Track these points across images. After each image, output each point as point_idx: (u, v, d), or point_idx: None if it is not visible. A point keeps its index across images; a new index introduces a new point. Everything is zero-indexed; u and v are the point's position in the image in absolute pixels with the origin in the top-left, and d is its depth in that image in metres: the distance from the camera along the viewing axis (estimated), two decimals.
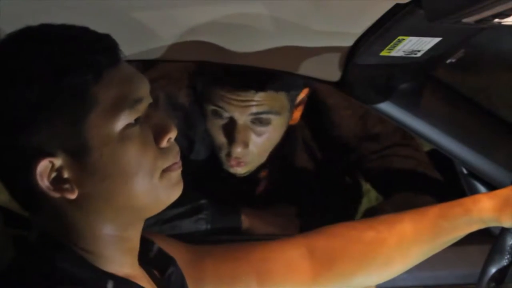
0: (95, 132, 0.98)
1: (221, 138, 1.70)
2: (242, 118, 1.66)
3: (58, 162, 0.98)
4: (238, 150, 1.68)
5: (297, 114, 1.76)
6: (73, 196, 0.99)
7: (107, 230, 1.04)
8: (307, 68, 1.39)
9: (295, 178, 1.86)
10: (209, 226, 1.71)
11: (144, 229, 1.11)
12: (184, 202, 1.71)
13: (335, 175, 1.89)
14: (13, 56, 0.99)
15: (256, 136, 1.69)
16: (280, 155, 1.79)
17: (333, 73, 1.40)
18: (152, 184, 1.02)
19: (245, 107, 1.65)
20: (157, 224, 1.67)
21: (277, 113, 1.68)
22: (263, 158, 1.74)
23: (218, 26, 1.25)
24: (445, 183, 1.76)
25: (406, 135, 1.76)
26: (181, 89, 1.80)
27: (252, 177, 1.81)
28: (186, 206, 1.70)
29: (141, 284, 1.07)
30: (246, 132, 1.68)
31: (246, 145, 1.69)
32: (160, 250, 1.19)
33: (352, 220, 1.94)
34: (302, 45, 1.32)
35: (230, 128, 1.68)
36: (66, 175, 0.99)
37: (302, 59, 1.37)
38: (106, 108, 0.99)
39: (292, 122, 1.76)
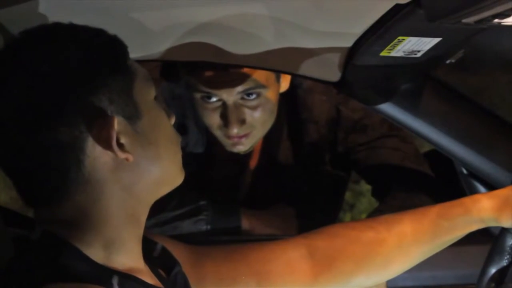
0: (141, 98, 1.06)
1: (216, 121, 1.70)
2: (231, 98, 1.66)
3: (117, 127, 1.03)
4: (234, 130, 1.68)
5: (286, 81, 1.76)
6: (131, 158, 1.04)
7: (132, 208, 1.06)
8: (307, 68, 1.39)
9: (279, 169, 1.86)
10: (209, 227, 1.71)
11: (145, 231, 1.12)
12: (184, 203, 1.71)
13: (320, 166, 1.89)
14: (61, 44, 1.03)
15: (250, 110, 1.68)
16: (266, 142, 1.81)
17: (333, 73, 1.40)
18: (177, 154, 1.11)
19: (231, 87, 1.64)
20: (157, 225, 1.67)
21: (264, 86, 1.67)
22: (265, 130, 1.74)
23: (218, 26, 1.26)
24: (440, 181, 1.76)
25: (393, 125, 1.74)
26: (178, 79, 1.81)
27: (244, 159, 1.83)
28: (186, 207, 1.71)
29: (145, 279, 1.08)
30: (239, 111, 1.67)
31: (242, 122, 1.68)
32: (164, 250, 1.19)
33: (336, 211, 1.94)
34: (302, 45, 1.32)
35: (223, 110, 1.68)
36: (122, 140, 1.03)
37: (302, 59, 1.37)
38: (141, 79, 1.07)
39: (282, 90, 1.75)
